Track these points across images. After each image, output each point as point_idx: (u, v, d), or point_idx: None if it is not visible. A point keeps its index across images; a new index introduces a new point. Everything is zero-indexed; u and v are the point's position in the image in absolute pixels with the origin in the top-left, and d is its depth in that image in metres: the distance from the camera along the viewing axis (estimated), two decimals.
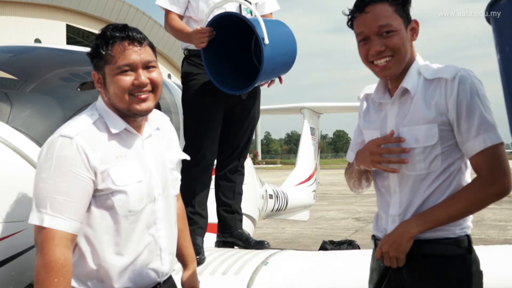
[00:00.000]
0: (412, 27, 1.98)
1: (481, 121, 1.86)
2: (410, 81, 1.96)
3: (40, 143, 2.42)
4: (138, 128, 1.98)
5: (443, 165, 1.93)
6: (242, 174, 3.70)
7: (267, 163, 60.71)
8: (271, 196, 6.27)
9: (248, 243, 3.52)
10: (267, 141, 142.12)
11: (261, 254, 3.12)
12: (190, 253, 2.29)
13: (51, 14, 36.93)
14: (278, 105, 9.25)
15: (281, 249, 3.53)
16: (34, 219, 1.77)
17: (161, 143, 2.06)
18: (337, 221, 13.37)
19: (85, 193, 1.81)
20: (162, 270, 1.99)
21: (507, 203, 17.72)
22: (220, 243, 3.61)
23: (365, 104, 2.17)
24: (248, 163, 4.73)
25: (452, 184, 1.95)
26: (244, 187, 3.78)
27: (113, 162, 1.85)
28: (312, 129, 8.35)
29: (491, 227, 11.91)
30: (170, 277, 2.12)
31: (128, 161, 1.90)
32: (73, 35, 41.06)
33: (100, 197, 1.85)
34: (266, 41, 2.87)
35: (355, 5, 1.97)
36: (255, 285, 2.39)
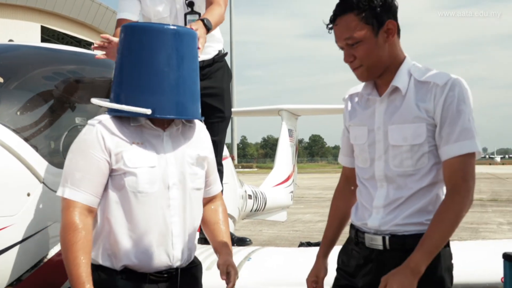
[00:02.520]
0: (386, 28, 1.99)
1: (464, 128, 1.91)
2: (400, 80, 2.00)
3: (27, 139, 2.45)
4: (162, 125, 2.20)
5: (429, 163, 1.98)
6: (221, 172, 3.74)
7: (243, 167, 60.76)
8: (250, 197, 6.34)
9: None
10: (243, 145, 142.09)
11: (243, 250, 3.19)
12: (223, 242, 2.42)
13: (26, 15, 36.39)
14: (257, 107, 9.33)
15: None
16: (59, 191, 2.10)
17: (185, 141, 2.26)
18: (313, 224, 13.49)
19: (100, 171, 2.09)
20: (173, 254, 2.15)
21: (478, 206, 18.13)
22: (203, 240, 3.65)
23: (349, 104, 2.23)
24: (228, 163, 4.79)
25: (437, 182, 2.00)
26: (224, 186, 3.82)
27: (128, 147, 2.10)
28: (290, 131, 8.43)
29: (463, 229, 12.13)
30: (191, 269, 2.28)
31: (143, 148, 2.13)
32: (48, 36, 40.53)
33: (115, 177, 2.11)
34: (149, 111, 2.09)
35: (331, 16, 2.04)
36: (239, 280, 2.46)
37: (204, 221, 2.47)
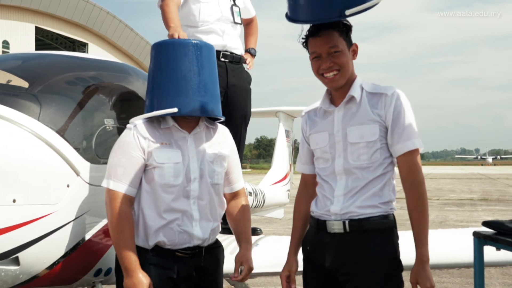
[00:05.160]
0: (353, 49, 2.51)
1: (411, 129, 2.41)
2: (355, 92, 2.48)
3: (66, 138, 2.79)
4: (188, 127, 2.62)
5: (381, 157, 2.45)
6: None
7: None
8: (250, 194, 6.59)
9: None
10: None
11: (252, 238, 3.53)
12: (244, 237, 2.82)
13: (20, 16, 36.36)
14: (254, 109, 9.52)
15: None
16: (104, 183, 2.54)
17: (207, 142, 2.66)
18: None
19: (137, 166, 2.53)
20: (194, 234, 2.56)
21: (469, 205, 18.56)
22: (226, 230, 4.00)
23: (307, 118, 2.68)
24: None
25: (387, 173, 2.47)
26: None
27: (157, 146, 2.52)
28: (286, 132, 8.69)
29: (454, 227, 12.50)
30: (213, 250, 2.68)
31: (170, 147, 2.54)
32: (42, 37, 40.45)
33: (147, 171, 2.56)
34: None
35: (309, 30, 2.50)
36: None
37: (229, 216, 2.87)
